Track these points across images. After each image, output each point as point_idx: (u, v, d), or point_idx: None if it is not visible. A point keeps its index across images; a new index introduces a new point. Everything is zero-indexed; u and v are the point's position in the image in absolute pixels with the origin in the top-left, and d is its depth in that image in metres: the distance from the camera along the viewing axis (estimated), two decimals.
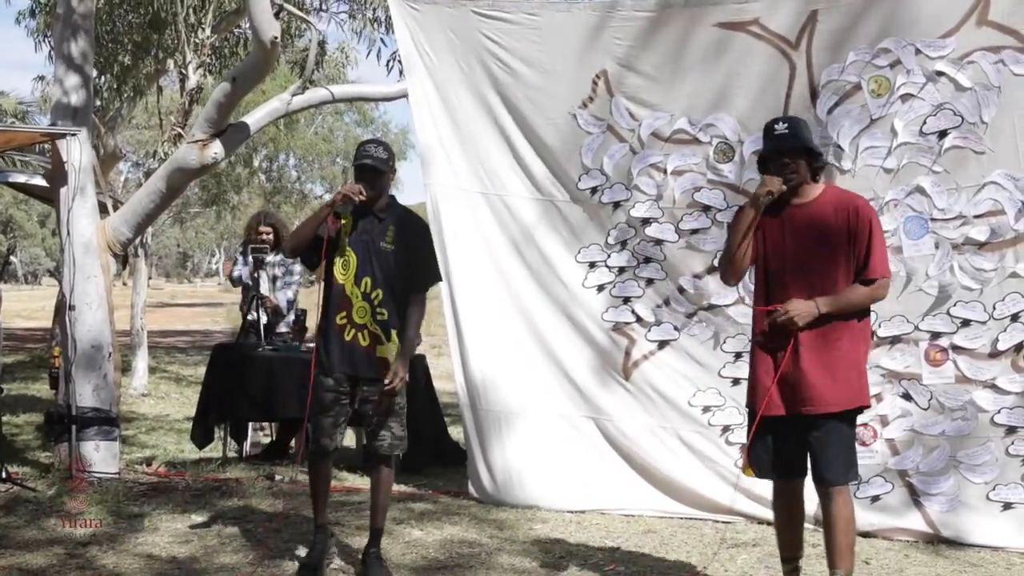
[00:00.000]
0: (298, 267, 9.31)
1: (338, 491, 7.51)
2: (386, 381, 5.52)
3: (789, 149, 4.84)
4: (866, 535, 6.48)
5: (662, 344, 7.11)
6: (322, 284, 5.66)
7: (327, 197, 49.19)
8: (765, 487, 5.15)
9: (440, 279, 5.84)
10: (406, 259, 5.60)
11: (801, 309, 4.74)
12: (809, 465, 4.91)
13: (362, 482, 7.81)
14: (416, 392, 8.42)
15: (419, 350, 9.03)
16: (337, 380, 5.55)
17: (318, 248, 5.57)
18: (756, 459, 4.98)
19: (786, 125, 4.90)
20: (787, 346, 4.79)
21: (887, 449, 6.59)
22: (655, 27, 7.02)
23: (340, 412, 5.61)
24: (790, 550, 5.11)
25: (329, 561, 5.72)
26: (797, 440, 4.87)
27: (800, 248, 4.85)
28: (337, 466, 8.21)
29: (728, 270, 5.09)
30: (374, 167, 5.55)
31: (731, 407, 6.85)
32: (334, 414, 5.59)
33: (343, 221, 5.56)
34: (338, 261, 5.56)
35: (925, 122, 6.48)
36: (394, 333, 5.56)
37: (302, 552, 5.87)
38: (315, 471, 5.73)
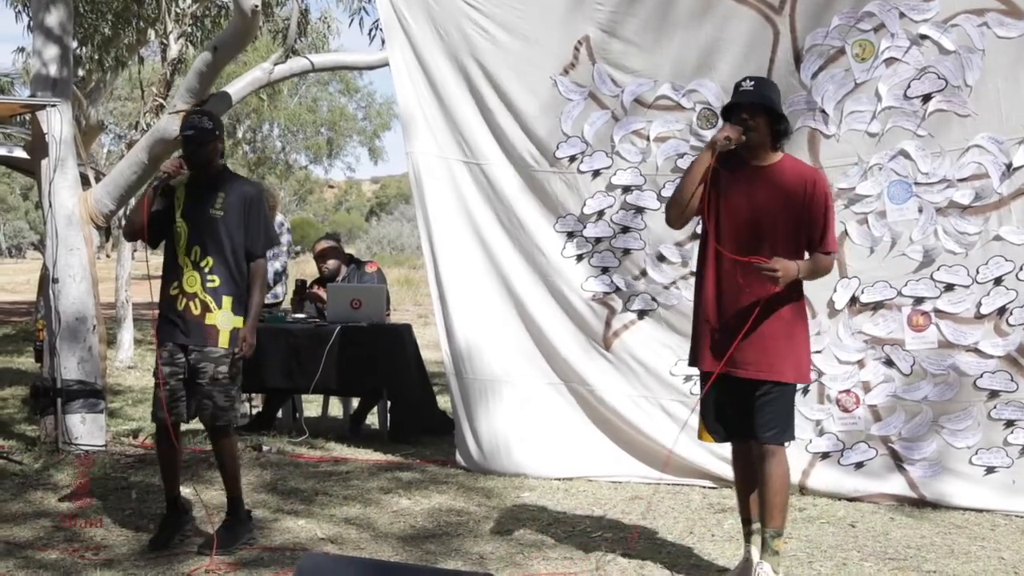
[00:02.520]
0: (285, 237, 9.33)
1: (325, 461, 7.53)
2: (236, 349, 5.52)
3: (749, 104, 4.82)
4: (851, 499, 6.53)
5: (641, 314, 7.10)
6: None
7: (312, 168, 49.13)
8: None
9: (272, 245, 5.86)
10: (238, 225, 5.58)
11: (788, 269, 4.73)
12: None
13: (349, 452, 7.82)
14: (405, 362, 8.44)
15: (406, 319, 9.04)
16: (171, 351, 5.52)
17: (153, 227, 5.57)
18: (709, 424, 5.04)
19: (752, 83, 4.91)
20: (746, 309, 4.80)
21: (869, 415, 6.61)
22: None
23: (177, 385, 5.54)
24: (747, 511, 5.13)
25: (190, 533, 5.74)
26: (740, 402, 4.91)
27: (754, 208, 4.84)
28: (325, 436, 8.23)
29: (673, 214, 5.06)
30: (195, 138, 5.53)
31: None
32: (170, 387, 5.53)
33: (177, 195, 5.58)
34: (173, 234, 5.57)
35: (909, 86, 6.46)
36: (226, 300, 5.53)
37: (292, 522, 5.88)
38: (158, 446, 5.70)
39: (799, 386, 5.45)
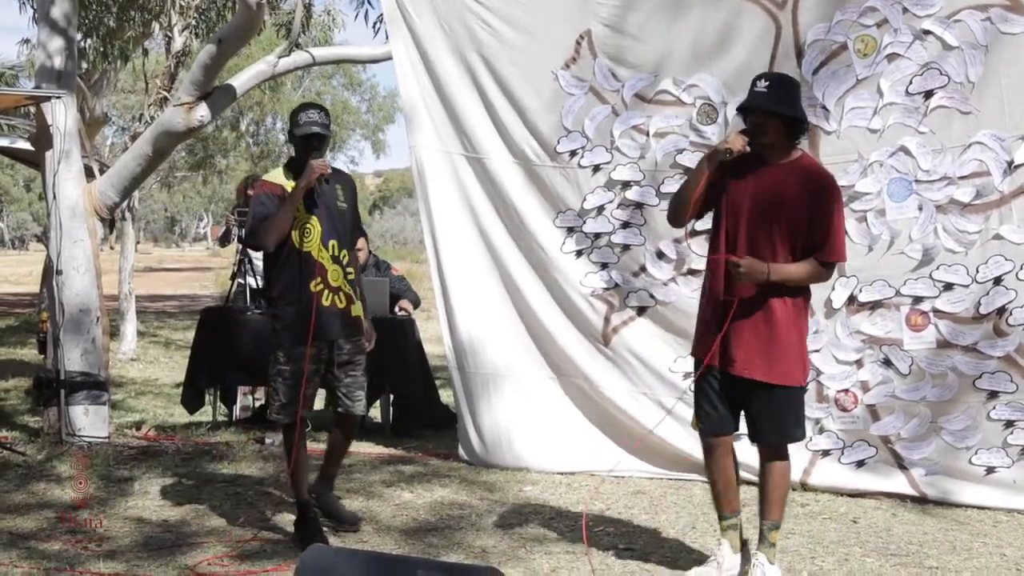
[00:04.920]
0: None
1: (316, 454, 7.52)
2: (366, 343, 5.63)
3: (760, 109, 4.81)
4: (853, 495, 6.54)
5: (640, 310, 7.09)
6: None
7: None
8: (751, 452, 5.19)
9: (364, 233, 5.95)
10: (353, 215, 5.71)
11: (753, 268, 4.74)
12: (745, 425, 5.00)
13: (351, 446, 7.80)
14: (407, 356, 8.45)
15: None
16: (318, 348, 5.51)
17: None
18: (702, 414, 5.02)
19: (767, 83, 4.86)
20: (731, 304, 4.83)
21: (868, 415, 6.61)
22: None
23: (318, 383, 5.67)
24: (721, 507, 5.08)
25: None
26: (729, 398, 4.93)
27: (760, 209, 4.82)
28: (328, 429, 8.22)
29: (675, 213, 5.09)
30: (323, 135, 5.55)
31: None
32: (313, 384, 5.62)
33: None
34: (295, 231, 5.49)
35: (911, 82, 6.45)
36: (359, 291, 5.68)
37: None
38: (288, 441, 5.62)
39: None
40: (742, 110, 4.92)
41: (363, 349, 5.66)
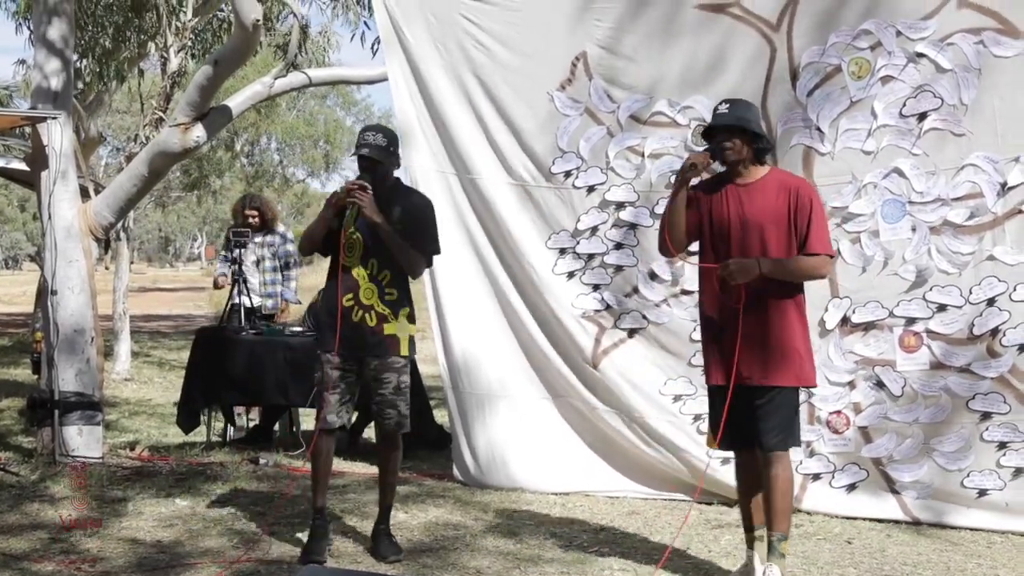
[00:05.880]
0: (291, 247, 9.43)
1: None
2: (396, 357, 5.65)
3: (723, 126, 5.05)
4: (847, 517, 6.54)
5: (632, 332, 7.09)
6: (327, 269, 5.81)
7: (308, 181, 49.16)
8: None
9: (438, 251, 5.89)
10: (412, 238, 5.63)
11: (742, 264, 4.95)
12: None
13: (346, 465, 7.82)
14: None
15: None
16: (343, 357, 5.60)
17: (328, 240, 5.68)
18: (716, 431, 5.15)
19: (727, 105, 5.13)
20: (733, 319, 4.99)
21: (860, 437, 6.60)
22: (636, 9, 6.99)
23: (347, 390, 5.67)
24: (751, 520, 5.26)
25: (330, 545, 5.71)
26: (747, 411, 5.03)
27: (742, 226, 5.04)
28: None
29: (662, 242, 5.29)
30: (371, 157, 5.58)
31: (702, 395, 6.74)
32: (340, 391, 5.64)
33: (351, 209, 5.60)
34: (345, 245, 5.62)
35: (905, 104, 6.49)
36: (403, 312, 5.65)
37: (289, 536, 5.89)
38: (317, 448, 5.71)
39: (804, 389, 5.56)
40: (707, 133, 5.19)
41: (395, 367, 5.65)
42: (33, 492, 6.86)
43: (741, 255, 5.00)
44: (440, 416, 9.00)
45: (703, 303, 5.22)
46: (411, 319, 5.72)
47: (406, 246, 5.57)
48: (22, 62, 16.00)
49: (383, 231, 5.50)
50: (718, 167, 5.23)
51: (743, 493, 5.28)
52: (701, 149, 5.14)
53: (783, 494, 5.01)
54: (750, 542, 5.24)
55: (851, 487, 6.61)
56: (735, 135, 5.03)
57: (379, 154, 5.59)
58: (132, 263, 15.05)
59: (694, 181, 5.20)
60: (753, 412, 5.02)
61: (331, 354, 5.60)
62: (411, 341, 5.71)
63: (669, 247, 5.26)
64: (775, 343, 4.98)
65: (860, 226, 6.57)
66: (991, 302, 6.34)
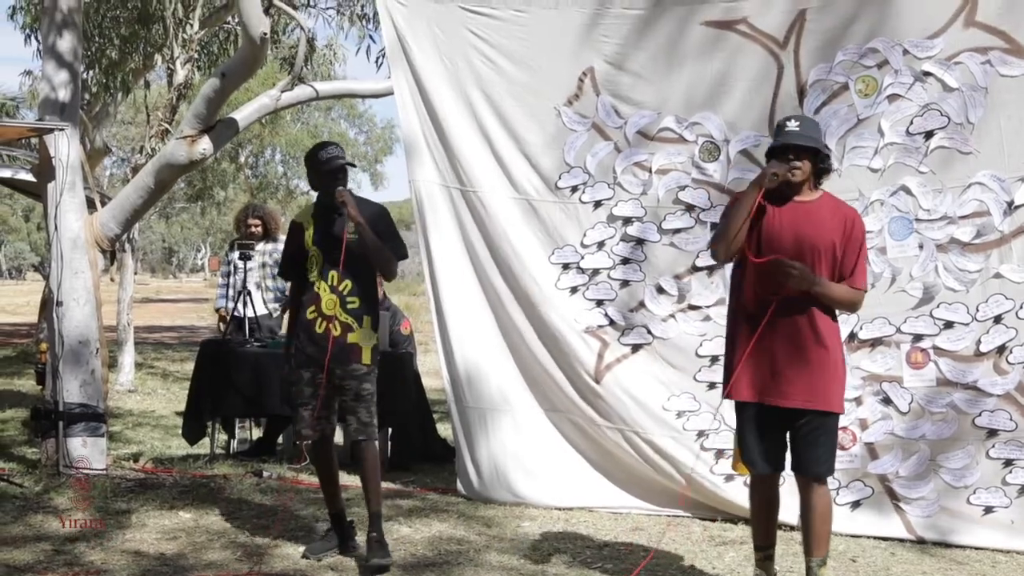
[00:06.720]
0: None
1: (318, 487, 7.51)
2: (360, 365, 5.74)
3: (796, 146, 4.96)
4: (851, 535, 6.52)
5: (635, 348, 7.08)
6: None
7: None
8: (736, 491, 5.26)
9: (406, 255, 5.98)
10: (369, 244, 5.73)
11: (806, 273, 4.87)
12: (789, 457, 5.04)
13: (349, 479, 7.78)
14: (406, 390, 8.44)
15: (407, 348, 9.05)
16: (313, 372, 5.73)
17: (292, 265, 5.95)
18: (747, 454, 5.06)
19: (797, 123, 5.03)
20: (786, 340, 4.92)
21: (866, 453, 6.60)
22: (644, 25, 7.01)
23: (324, 403, 5.77)
24: (765, 539, 5.22)
25: (355, 547, 5.88)
26: (778, 432, 4.99)
27: (793, 243, 4.94)
28: None
29: (720, 248, 5.11)
30: (350, 164, 5.84)
31: (706, 412, 6.80)
32: (312, 406, 5.76)
33: (305, 224, 5.86)
34: (306, 260, 5.82)
35: (912, 122, 6.51)
36: (366, 319, 5.77)
37: (292, 549, 5.89)
38: (312, 458, 6.00)
39: None
40: (774, 150, 5.04)
41: (356, 375, 5.74)
42: (37, 503, 6.85)
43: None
44: (444, 430, 8.99)
45: (738, 309, 5.10)
46: (375, 327, 5.81)
47: (382, 246, 5.72)
48: (28, 73, 16.07)
49: (363, 231, 5.63)
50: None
51: (762, 512, 5.19)
52: (772, 161, 5.02)
53: (824, 520, 4.99)
54: (759, 561, 5.21)
55: (855, 504, 6.60)
56: (804, 154, 4.97)
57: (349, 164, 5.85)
58: (136, 274, 15.04)
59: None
60: (795, 435, 4.97)
61: (303, 370, 5.77)
62: (374, 351, 5.81)
63: (722, 253, 5.11)
64: (825, 366, 4.93)
65: (868, 243, 6.55)
66: (998, 319, 6.35)
